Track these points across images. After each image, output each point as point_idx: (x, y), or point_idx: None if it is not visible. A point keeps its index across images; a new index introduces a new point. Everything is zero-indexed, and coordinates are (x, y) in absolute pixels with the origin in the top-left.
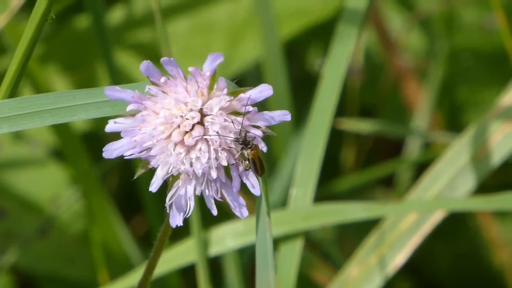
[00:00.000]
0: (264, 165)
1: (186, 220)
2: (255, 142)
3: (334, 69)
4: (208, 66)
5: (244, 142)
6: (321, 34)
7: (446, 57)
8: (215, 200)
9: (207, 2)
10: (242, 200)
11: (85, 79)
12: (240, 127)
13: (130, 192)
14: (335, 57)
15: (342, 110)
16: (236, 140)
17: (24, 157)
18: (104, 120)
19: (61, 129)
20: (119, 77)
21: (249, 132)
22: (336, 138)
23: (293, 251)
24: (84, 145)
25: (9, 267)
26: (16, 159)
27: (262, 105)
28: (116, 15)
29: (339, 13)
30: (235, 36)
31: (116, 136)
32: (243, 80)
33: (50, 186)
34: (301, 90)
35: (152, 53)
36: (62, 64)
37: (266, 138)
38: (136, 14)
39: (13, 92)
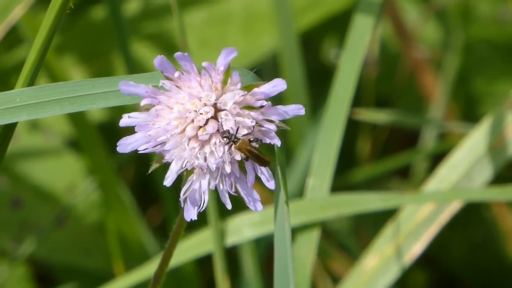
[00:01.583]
0: (262, 156)
1: (203, 211)
2: (258, 137)
3: (350, 60)
4: (222, 61)
5: (227, 136)
6: (337, 25)
7: (461, 48)
8: (230, 193)
9: None
10: (256, 194)
11: (101, 70)
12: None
13: (146, 182)
14: (351, 48)
15: (358, 101)
16: (223, 136)
17: (40, 147)
18: (121, 111)
19: (77, 119)
20: (135, 68)
21: (261, 126)
22: (352, 129)
23: (310, 241)
24: (100, 136)
25: (26, 257)
26: (32, 149)
27: (279, 97)
28: (132, 6)
29: (356, 4)
30: (251, 27)
31: (132, 128)
32: (259, 71)
33: (66, 176)
34: (317, 81)
35: (169, 44)
36: (78, 55)
37: (282, 129)
38: (153, 5)
39: (31, 82)
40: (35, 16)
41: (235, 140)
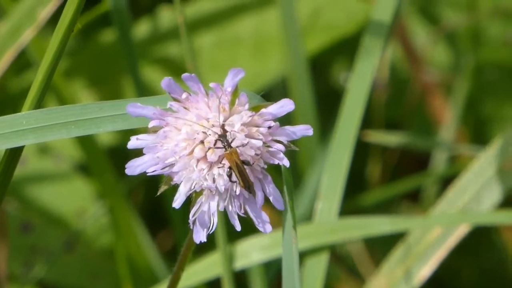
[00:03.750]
0: (247, 176)
1: (211, 234)
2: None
3: (359, 83)
4: (229, 82)
5: (221, 140)
6: (346, 47)
7: (471, 71)
8: (239, 215)
9: (233, 16)
10: (265, 216)
11: (111, 93)
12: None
13: (157, 206)
14: (360, 71)
15: (367, 124)
16: (218, 138)
17: (49, 171)
18: (129, 135)
19: (86, 143)
20: (145, 92)
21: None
22: (362, 152)
23: (319, 265)
24: (109, 160)
25: (36, 281)
26: (41, 173)
27: (287, 119)
28: (141, 29)
29: (365, 27)
30: (261, 51)
31: (141, 151)
32: (268, 94)
33: (75, 201)
34: (326, 104)
35: (178, 67)
36: (88, 78)
37: (291, 152)
38: (162, 28)
39: (38, 104)
40: (45, 39)
41: (228, 147)
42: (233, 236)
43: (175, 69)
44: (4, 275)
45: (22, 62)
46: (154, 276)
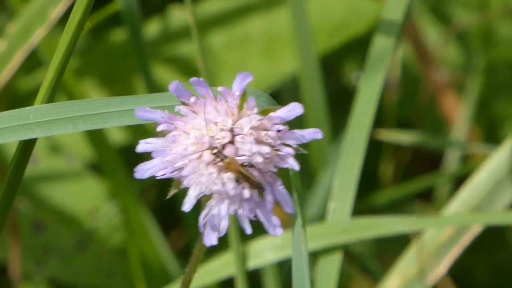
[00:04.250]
0: (253, 179)
1: (225, 233)
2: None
3: (371, 82)
4: (238, 86)
5: (215, 152)
6: (357, 47)
7: (483, 70)
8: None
9: (243, 16)
10: (276, 219)
11: (121, 92)
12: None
13: (169, 205)
14: (372, 70)
15: (379, 124)
16: (211, 153)
17: (61, 170)
18: (142, 134)
19: (98, 142)
20: (155, 91)
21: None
22: (374, 152)
23: (332, 265)
24: (121, 159)
25: (48, 280)
26: (53, 172)
27: (299, 119)
28: (152, 29)
29: (376, 26)
30: (272, 51)
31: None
32: (280, 94)
33: (88, 200)
34: (337, 103)
35: (189, 67)
36: (99, 78)
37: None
38: (172, 28)
39: (49, 102)
40: (56, 38)
41: (223, 158)
42: (246, 236)
43: (186, 68)
44: (18, 274)
45: (33, 62)
46: (167, 275)
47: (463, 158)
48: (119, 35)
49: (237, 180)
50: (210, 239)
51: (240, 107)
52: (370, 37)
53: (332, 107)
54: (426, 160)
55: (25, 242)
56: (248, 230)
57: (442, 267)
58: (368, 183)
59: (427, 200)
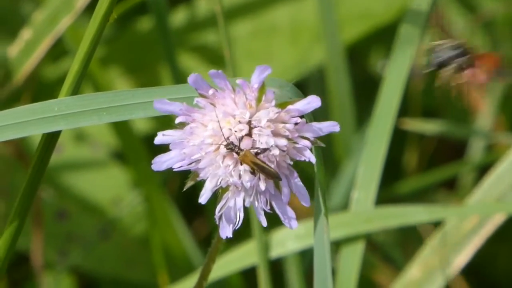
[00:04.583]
0: (269, 168)
1: (247, 223)
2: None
3: (397, 71)
4: (256, 78)
5: (229, 147)
6: (383, 36)
7: (509, 59)
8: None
9: (269, 5)
10: (291, 212)
11: (147, 81)
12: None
13: (192, 194)
14: (397, 59)
15: (404, 112)
16: (226, 146)
17: (86, 158)
18: (166, 123)
19: (122, 131)
20: (181, 80)
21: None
22: (398, 141)
23: (355, 254)
24: (145, 148)
25: (71, 269)
26: (78, 161)
27: (325, 108)
28: (178, 17)
29: (402, 15)
30: (298, 39)
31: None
32: (305, 83)
33: (111, 188)
34: (363, 93)
35: (214, 55)
36: (124, 66)
37: (328, 141)
38: (199, 16)
39: (74, 93)
40: (82, 26)
41: (238, 151)
42: (268, 225)
43: (211, 57)
44: (40, 263)
45: (59, 50)
46: (189, 264)
47: (487, 148)
48: (145, 24)
49: (252, 172)
50: (226, 231)
51: (259, 100)
52: (396, 26)
53: (357, 96)
54: (450, 149)
55: (48, 231)
56: (264, 222)
57: (464, 257)
58: (392, 172)
59: (451, 189)
